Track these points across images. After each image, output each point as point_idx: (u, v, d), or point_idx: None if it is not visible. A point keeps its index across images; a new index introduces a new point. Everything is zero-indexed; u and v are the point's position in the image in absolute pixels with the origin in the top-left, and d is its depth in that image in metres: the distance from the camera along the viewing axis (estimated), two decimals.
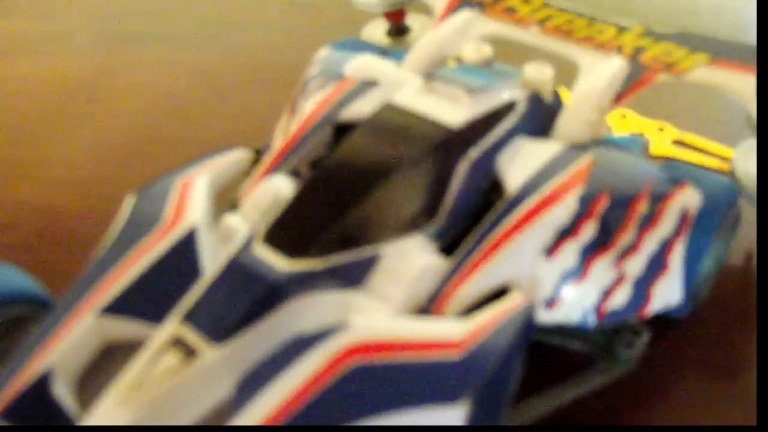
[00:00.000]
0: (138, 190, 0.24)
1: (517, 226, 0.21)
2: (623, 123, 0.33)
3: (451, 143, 0.23)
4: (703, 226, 0.23)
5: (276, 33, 0.44)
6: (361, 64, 0.27)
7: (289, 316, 0.19)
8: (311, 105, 0.26)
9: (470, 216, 0.23)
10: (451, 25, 0.29)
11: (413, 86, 0.25)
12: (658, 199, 0.23)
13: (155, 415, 0.18)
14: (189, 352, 0.18)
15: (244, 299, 0.19)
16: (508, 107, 0.25)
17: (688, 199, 0.23)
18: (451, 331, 0.19)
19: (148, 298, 0.20)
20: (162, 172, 0.25)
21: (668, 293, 0.23)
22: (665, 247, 0.22)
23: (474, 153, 0.23)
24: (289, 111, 0.28)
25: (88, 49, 0.43)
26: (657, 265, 0.22)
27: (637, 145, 0.26)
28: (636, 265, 0.22)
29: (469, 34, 0.29)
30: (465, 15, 0.29)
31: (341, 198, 0.21)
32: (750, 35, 0.42)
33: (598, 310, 0.22)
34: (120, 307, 0.20)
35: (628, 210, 0.22)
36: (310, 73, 0.28)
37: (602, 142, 0.25)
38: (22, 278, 0.24)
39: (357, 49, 0.30)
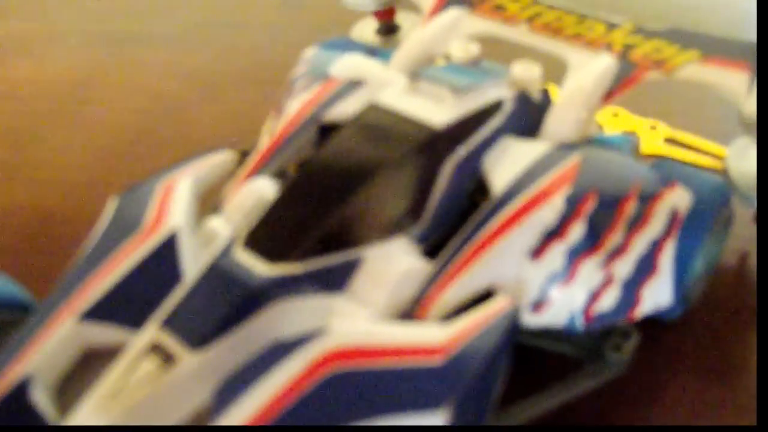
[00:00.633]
0: (121, 193, 0.24)
1: (503, 228, 0.21)
2: (615, 121, 0.32)
3: (435, 144, 0.22)
4: (694, 227, 0.23)
5: (267, 32, 0.43)
6: (347, 64, 0.27)
7: (268, 322, 0.19)
8: (296, 105, 0.26)
9: (456, 217, 0.22)
10: (438, 24, 0.29)
11: (398, 86, 0.25)
12: (648, 200, 0.22)
13: (133, 422, 0.17)
14: (167, 359, 0.18)
15: (223, 304, 0.19)
16: (495, 106, 0.24)
17: (678, 199, 0.23)
18: (432, 337, 0.19)
19: (128, 304, 0.20)
20: (156, 171, 0.25)
21: (658, 295, 0.22)
22: (655, 248, 0.22)
23: (459, 154, 0.23)
24: (276, 111, 0.27)
25: (81, 50, 0.43)
26: (646, 267, 0.22)
27: (627, 144, 0.25)
28: (625, 266, 0.22)
29: (458, 33, 0.28)
30: (453, 13, 0.29)
31: (323, 200, 0.21)
32: (745, 30, 0.41)
33: (585, 312, 0.21)
34: (100, 312, 0.20)
35: (616, 210, 0.22)
36: (297, 73, 0.28)
37: (591, 141, 0.25)
38: (4, 284, 0.24)
39: (345, 48, 0.29)
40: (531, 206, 0.21)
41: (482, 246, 0.21)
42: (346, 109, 0.25)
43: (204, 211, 0.24)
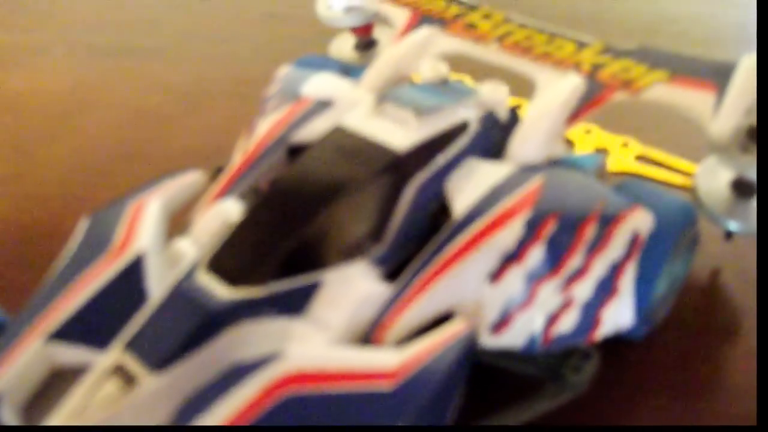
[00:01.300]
0: (92, 213, 0.24)
1: (461, 252, 0.21)
2: (587, 138, 0.33)
3: (396, 167, 0.23)
4: (657, 249, 0.23)
5: (250, 45, 0.44)
6: (317, 84, 0.27)
7: (228, 345, 0.20)
8: (266, 126, 0.26)
9: (418, 240, 0.23)
10: (410, 43, 0.29)
11: (364, 108, 0.25)
12: (608, 222, 0.22)
13: None
14: (129, 380, 0.19)
15: (184, 327, 0.19)
16: (460, 128, 0.24)
17: (639, 222, 0.23)
18: (385, 361, 0.19)
19: (95, 325, 0.21)
20: (129, 191, 0.25)
21: (619, 317, 0.22)
22: (615, 271, 0.22)
23: (421, 177, 0.23)
24: (248, 130, 0.28)
25: (65, 63, 0.43)
26: (606, 289, 0.22)
27: (593, 164, 0.26)
28: (584, 289, 0.22)
29: (429, 51, 0.29)
30: (425, 32, 0.29)
31: (285, 223, 0.21)
32: (723, 43, 0.42)
33: (544, 335, 0.21)
34: (67, 333, 0.21)
35: (576, 233, 0.22)
36: (269, 92, 0.28)
37: (556, 162, 0.25)
38: None
39: (320, 66, 0.30)
40: (490, 230, 0.21)
41: (441, 269, 0.21)
42: (313, 130, 0.25)
43: (175, 230, 0.24)
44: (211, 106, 0.38)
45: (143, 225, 0.23)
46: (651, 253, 0.23)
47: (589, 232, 0.22)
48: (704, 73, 0.26)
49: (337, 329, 0.20)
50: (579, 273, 0.22)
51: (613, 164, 0.32)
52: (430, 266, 0.21)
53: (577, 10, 0.46)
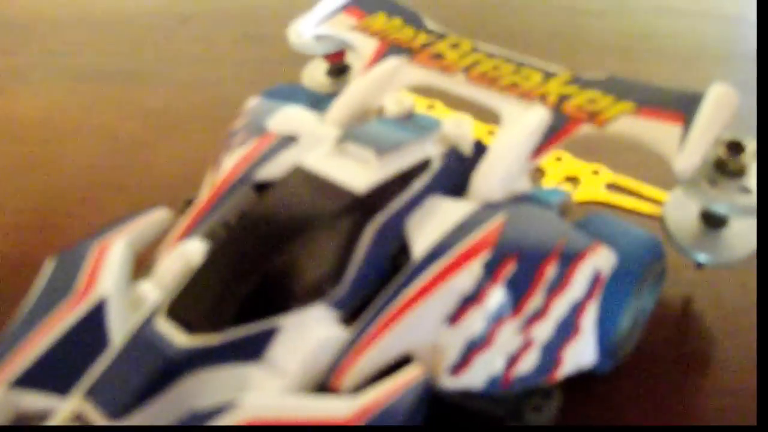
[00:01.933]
0: (57, 254, 0.24)
1: (419, 295, 0.21)
2: (558, 166, 0.32)
3: (356, 209, 0.23)
4: (620, 285, 0.23)
5: (226, 67, 0.44)
6: (283, 118, 0.27)
7: (185, 393, 0.20)
8: (231, 163, 0.26)
9: (377, 281, 0.23)
10: (376, 74, 0.29)
11: (326, 147, 0.25)
12: (569, 261, 0.22)
13: None
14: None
15: (142, 375, 0.19)
16: (422, 165, 0.24)
17: (601, 260, 0.23)
18: (339, 410, 0.19)
19: (57, 371, 0.21)
20: (103, 221, 0.25)
21: (580, 355, 0.22)
22: (576, 310, 0.22)
23: (381, 218, 0.23)
24: (214, 165, 0.28)
25: (44, 87, 0.43)
26: (567, 329, 0.22)
27: (557, 199, 0.25)
28: (544, 330, 0.22)
29: (395, 83, 0.28)
30: (391, 63, 0.29)
31: (244, 267, 0.21)
32: (702, 59, 0.41)
33: (504, 375, 0.21)
34: (30, 379, 0.21)
35: (536, 274, 0.22)
36: (236, 125, 0.28)
37: (519, 198, 0.25)
38: None
39: (288, 96, 0.30)
40: (448, 272, 0.21)
41: (398, 313, 0.21)
42: (277, 167, 0.25)
43: (142, 267, 0.24)
44: (187, 131, 0.38)
45: (106, 268, 0.23)
46: (614, 290, 0.23)
47: (550, 271, 0.22)
48: (672, 104, 0.26)
49: (294, 376, 0.20)
50: (539, 314, 0.22)
51: (583, 193, 0.32)
52: (387, 310, 0.21)
53: (553, 28, 0.46)
